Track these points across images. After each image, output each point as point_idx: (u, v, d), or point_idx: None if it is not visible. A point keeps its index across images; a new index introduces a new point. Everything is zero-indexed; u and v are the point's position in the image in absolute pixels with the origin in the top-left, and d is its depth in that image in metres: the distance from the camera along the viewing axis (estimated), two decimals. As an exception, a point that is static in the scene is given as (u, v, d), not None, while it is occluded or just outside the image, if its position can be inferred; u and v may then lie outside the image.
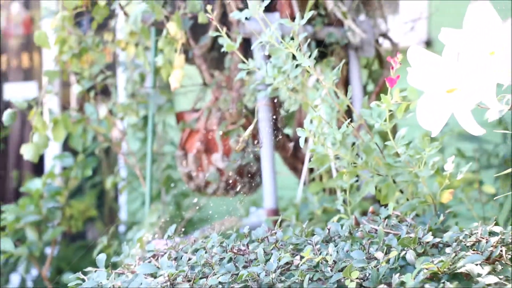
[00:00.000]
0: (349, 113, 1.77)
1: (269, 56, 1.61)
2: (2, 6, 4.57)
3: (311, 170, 1.80)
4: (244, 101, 1.78)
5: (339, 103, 1.50)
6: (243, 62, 1.59)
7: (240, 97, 1.79)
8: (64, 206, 1.99)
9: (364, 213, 1.53)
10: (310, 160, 1.66)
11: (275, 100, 1.80)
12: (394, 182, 1.41)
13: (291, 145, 1.86)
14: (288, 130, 1.91)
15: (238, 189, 2.03)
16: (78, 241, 3.60)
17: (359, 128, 1.60)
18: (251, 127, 1.73)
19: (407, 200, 1.40)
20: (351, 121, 1.53)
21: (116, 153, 3.68)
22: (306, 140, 1.71)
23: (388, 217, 1.30)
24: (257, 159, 2.03)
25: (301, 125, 1.85)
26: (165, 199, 2.20)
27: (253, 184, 2.04)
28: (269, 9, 1.77)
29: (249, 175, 2.03)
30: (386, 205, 1.39)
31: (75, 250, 3.41)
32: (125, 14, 1.81)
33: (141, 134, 3.23)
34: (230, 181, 2.01)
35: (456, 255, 1.03)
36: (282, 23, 1.59)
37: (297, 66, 1.50)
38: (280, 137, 1.84)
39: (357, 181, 1.52)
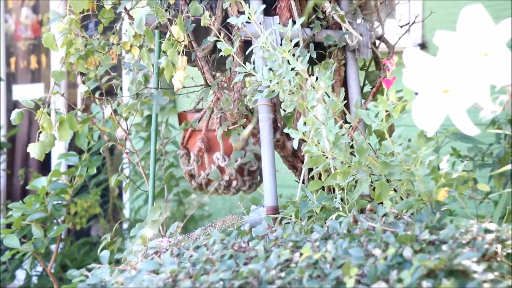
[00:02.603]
0: (345, 114, 1.77)
1: (268, 58, 1.62)
2: (12, 11, 4.57)
3: (310, 169, 1.78)
4: (245, 101, 1.74)
5: (334, 104, 1.50)
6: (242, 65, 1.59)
7: (241, 98, 1.77)
8: (69, 203, 1.97)
9: (362, 211, 1.51)
10: (308, 160, 1.68)
11: (275, 101, 1.81)
12: (388, 181, 1.40)
13: (290, 144, 1.84)
14: (288, 130, 1.88)
15: (238, 187, 2.02)
16: (82, 238, 3.60)
17: (356, 128, 1.59)
18: (250, 126, 1.73)
19: (401, 198, 1.39)
20: (344, 122, 1.54)
21: (120, 152, 3.70)
22: (305, 141, 1.74)
23: (386, 214, 1.30)
24: (258, 158, 2.04)
25: (300, 125, 1.85)
26: (167, 197, 2.16)
27: (253, 182, 2.04)
28: (269, 13, 1.77)
29: (250, 174, 2.03)
30: (383, 203, 1.40)
31: (79, 247, 3.41)
32: (130, 17, 1.80)
33: (144, 134, 3.24)
34: (231, 179, 2.00)
35: (452, 252, 1.02)
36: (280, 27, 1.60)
37: (292, 69, 1.51)
38: (280, 136, 1.82)
39: (354, 179, 1.51)
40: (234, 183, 2.01)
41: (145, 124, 3.05)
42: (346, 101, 1.68)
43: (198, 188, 2.07)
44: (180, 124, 2.11)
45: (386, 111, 1.32)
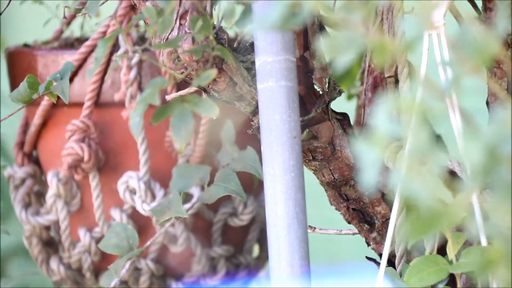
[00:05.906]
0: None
1: None
2: None
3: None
4: (213, 18, 1.70)
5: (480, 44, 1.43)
6: None
7: (201, 9, 1.72)
8: None
9: None
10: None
11: (310, 24, 1.82)
12: None
13: (349, 152, 1.80)
14: (342, 106, 1.86)
15: (195, 276, 2.17)
16: None
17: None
18: (229, 93, 1.84)
19: None
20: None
21: None
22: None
23: None
24: (250, 188, 2.14)
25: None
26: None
27: (239, 263, 2.22)
28: None
29: (228, 238, 2.22)
30: None
31: None
32: None
33: None
34: (173, 254, 2.18)
35: None
36: None
37: None
38: (322, 124, 1.80)
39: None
40: (183, 264, 2.18)
41: None
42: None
43: (68, 283, 2.20)
44: (13, 87, 2.16)
45: None
